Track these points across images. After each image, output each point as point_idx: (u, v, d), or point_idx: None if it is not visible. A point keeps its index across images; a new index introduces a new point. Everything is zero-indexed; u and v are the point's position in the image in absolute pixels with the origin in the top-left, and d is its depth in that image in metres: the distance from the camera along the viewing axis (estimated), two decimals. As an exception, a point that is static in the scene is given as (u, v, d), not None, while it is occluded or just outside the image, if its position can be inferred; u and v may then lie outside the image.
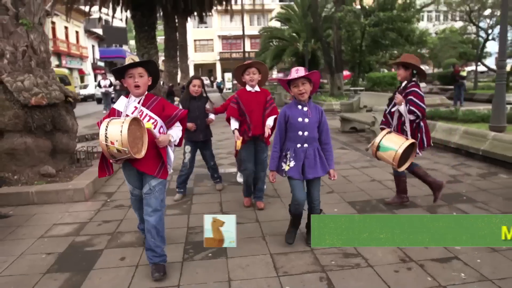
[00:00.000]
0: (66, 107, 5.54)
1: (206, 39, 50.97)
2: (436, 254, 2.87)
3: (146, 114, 2.66)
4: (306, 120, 2.90)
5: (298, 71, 2.84)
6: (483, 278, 2.54)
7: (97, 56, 45.00)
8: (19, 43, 4.95)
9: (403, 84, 3.79)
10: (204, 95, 4.46)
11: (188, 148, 4.47)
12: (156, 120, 2.67)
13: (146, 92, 2.74)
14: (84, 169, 5.47)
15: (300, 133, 2.91)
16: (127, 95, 2.75)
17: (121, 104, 2.72)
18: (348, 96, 14.90)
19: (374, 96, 8.99)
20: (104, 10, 18.39)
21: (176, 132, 2.79)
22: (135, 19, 16.27)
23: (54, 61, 33.89)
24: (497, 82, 6.79)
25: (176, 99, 18.64)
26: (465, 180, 4.82)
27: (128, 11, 17.40)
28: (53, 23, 34.25)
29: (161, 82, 20.34)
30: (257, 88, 3.90)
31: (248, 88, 3.89)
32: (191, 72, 38.39)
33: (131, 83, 2.64)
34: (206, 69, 51.90)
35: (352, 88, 16.76)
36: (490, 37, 18.52)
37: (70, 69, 36.52)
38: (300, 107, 2.93)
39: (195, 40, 49.82)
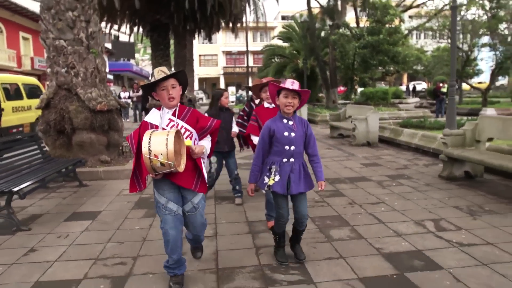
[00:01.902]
0: (117, 113, 7.36)
1: (210, 54, 53.13)
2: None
3: (182, 126, 2.60)
4: (292, 134, 2.81)
5: (294, 84, 2.77)
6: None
7: (107, 69, 47.09)
8: (89, 66, 6.81)
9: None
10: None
11: (214, 159, 4.68)
12: (191, 132, 2.62)
13: (178, 104, 2.68)
14: (128, 159, 7.26)
15: (287, 147, 2.81)
16: (158, 107, 2.70)
17: (154, 116, 2.65)
18: (340, 108, 16.76)
19: (356, 108, 10.84)
20: (114, 26, 20.19)
21: (207, 143, 2.73)
22: (152, 39, 18.30)
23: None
24: (450, 97, 8.62)
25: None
26: (412, 167, 6.60)
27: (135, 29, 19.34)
28: (68, 38, 36.51)
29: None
30: (274, 105, 3.77)
31: (266, 104, 3.94)
32: (196, 86, 40.55)
33: (165, 96, 2.56)
34: (210, 83, 54.04)
35: (344, 101, 18.62)
36: (471, 57, 20.49)
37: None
38: (285, 121, 2.84)
39: (200, 55, 51.91)
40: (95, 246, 3.48)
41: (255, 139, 3.78)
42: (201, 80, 51.36)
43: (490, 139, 5.47)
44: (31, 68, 28.31)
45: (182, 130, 2.57)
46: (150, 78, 2.62)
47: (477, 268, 2.88)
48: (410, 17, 31.25)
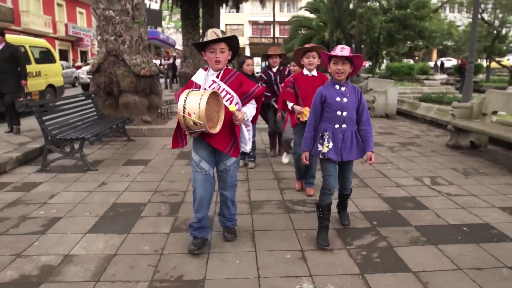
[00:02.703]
0: (157, 78, 8.19)
1: (237, 23, 52.94)
2: (380, 162, 5.35)
3: (224, 88, 2.63)
4: (345, 99, 2.75)
5: (343, 50, 2.68)
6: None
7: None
8: (134, 35, 7.60)
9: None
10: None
11: None
12: (232, 96, 2.64)
13: (225, 66, 2.69)
14: (167, 120, 8.13)
15: (339, 113, 2.75)
16: (206, 68, 2.74)
17: (199, 76, 2.71)
18: (363, 81, 17.13)
19: (377, 81, 11.33)
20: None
21: (250, 109, 2.73)
22: (183, 9, 18.91)
23: (98, 41, 37.29)
24: (467, 74, 9.01)
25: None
26: (423, 137, 7.22)
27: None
28: (98, 5, 37.39)
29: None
30: (314, 73, 3.76)
31: (305, 72, 3.78)
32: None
33: (213, 58, 2.60)
34: (239, 48, 54.18)
35: (367, 75, 18.87)
36: (502, 34, 20.18)
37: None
38: (337, 87, 2.78)
39: (226, 25, 51.80)
40: (152, 183, 4.38)
41: (289, 105, 3.85)
42: (227, 50, 51.55)
43: (494, 112, 6.01)
44: (65, 34, 29.49)
45: (223, 94, 2.60)
46: (203, 38, 2.66)
47: (457, 210, 3.60)
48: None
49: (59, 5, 29.66)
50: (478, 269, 2.55)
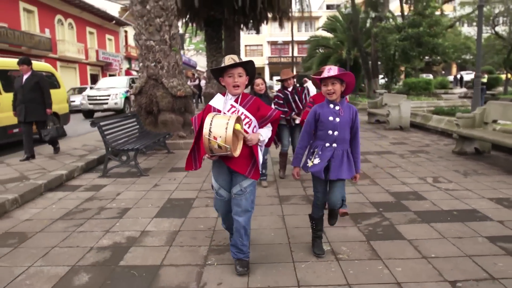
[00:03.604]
0: (190, 98, 9.22)
1: (256, 44, 54.55)
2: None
3: (242, 112, 2.68)
4: (338, 119, 2.81)
5: (330, 70, 2.76)
6: (406, 171, 5.76)
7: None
8: (171, 61, 8.69)
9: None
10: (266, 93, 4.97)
11: None
12: (250, 120, 2.70)
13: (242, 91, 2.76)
14: (199, 136, 9.10)
15: (330, 132, 2.82)
16: (223, 93, 2.80)
17: (218, 101, 2.77)
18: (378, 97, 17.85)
19: (391, 96, 12.06)
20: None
21: (265, 132, 2.78)
22: (207, 33, 20.26)
23: (125, 64, 39.32)
24: (475, 87, 9.67)
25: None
26: (432, 146, 7.90)
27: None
28: (125, 31, 39.63)
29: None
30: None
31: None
32: (243, 76, 42.36)
33: (231, 83, 2.66)
34: (256, 73, 55.67)
35: (384, 91, 19.58)
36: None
37: (137, 71, 41.84)
38: (332, 106, 2.85)
39: (245, 45, 53.45)
40: (196, 184, 5.27)
41: None
42: (247, 70, 53.06)
43: (494, 121, 6.69)
44: (96, 60, 31.48)
45: (242, 117, 2.65)
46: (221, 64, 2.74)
47: (451, 200, 4.33)
48: (462, 3, 30.74)
49: (91, 33, 31.78)
50: (459, 238, 3.29)
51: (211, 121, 2.45)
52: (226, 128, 2.40)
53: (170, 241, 3.37)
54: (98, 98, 16.57)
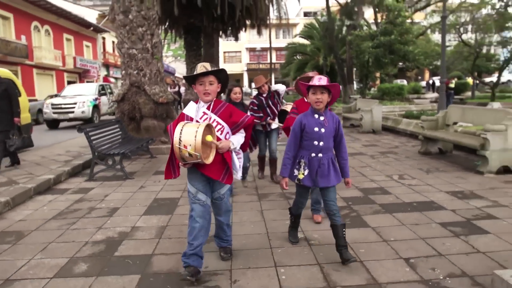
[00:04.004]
0: (172, 104, 9.52)
1: (234, 51, 55.01)
2: (361, 166, 6.59)
3: (214, 119, 2.73)
4: (323, 130, 2.88)
5: (321, 80, 2.82)
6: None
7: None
8: (153, 68, 8.98)
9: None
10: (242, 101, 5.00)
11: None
12: (223, 126, 2.75)
13: (215, 98, 2.80)
14: (181, 141, 9.41)
15: (316, 142, 2.89)
16: (196, 100, 2.85)
17: (191, 109, 2.82)
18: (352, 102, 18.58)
19: (364, 101, 12.70)
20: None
21: (237, 138, 2.83)
22: (186, 41, 20.56)
23: (103, 71, 39.03)
24: (440, 92, 10.36)
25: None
26: (401, 147, 8.47)
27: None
28: (103, 38, 39.39)
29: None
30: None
31: (306, 99, 3.85)
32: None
33: (201, 90, 2.71)
34: (234, 79, 56.10)
35: (358, 97, 20.39)
36: (481, 54, 21.86)
37: (116, 78, 41.55)
38: (316, 116, 2.91)
39: (224, 52, 53.81)
40: (180, 185, 5.58)
41: None
42: (226, 76, 53.41)
43: (455, 123, 7.29)
44: (74, 67, 31.22)
45: (214, 124, 2.70)
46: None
47: (413, 194, 4.81)
48: (433, 11, 32.07)
49: (68, 39, 31.52)
50: (416, 224, 3.76)
51: (181, 129, 2.50)
52: (195, 136, 2.44)
53: (159, 235, 3.70)
54: (63, 106, 15.31)
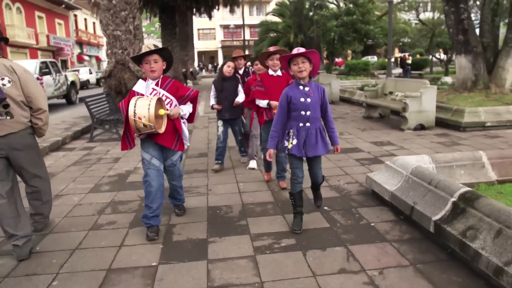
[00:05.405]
0: (154, 80, 10.74)
1: (209, 28, 54.99)
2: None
3: (163, 94, 2.99)
4: (308, 100, 2.96)
5: (299, 50, 2.92)
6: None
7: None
8: (136, 48, 10.15)
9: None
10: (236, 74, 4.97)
11: (220, 123, 5.00)
12: (171, 99, 3.03)
13: (162, 75, 3.03)
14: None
15: (303, 112, 2.97)
16: (145, 78, 3.07)
17: (141, 86, 3.04)
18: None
19: (325, 76, 14.27)
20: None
21: (186, 107, 3.13)
22: (162, 20, 21.42)
23: (76, 49, 38.88)
24: (388, 68, 11.99)
25: (189, 81, 23.81)
26: (351, 114, 10.10)
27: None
28: (75, 16, 39.04)
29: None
30: (279, 73, 4.10)
31: (270, 72, 4.12)
32: (196, 59, 43.48)
33: (148, 68, 2.95)
34: (209, 56, 56.56)
35: (320, 71, 21.97)
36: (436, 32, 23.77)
37: (90, 56, 41.50)
38: (301, 87, 2.99)
39: (198, 29, 53.72)
40: (166, 143, 6.97)
41: (261, 103, 4.10)
42: (200, 54, 53.85)
43: (391, 92, 8.94)
44: (47, 45, 31.30)
45: (164, 98, 2.95)
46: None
47: (345, 143, 6.40)
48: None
49: (40, 17, 31.39)
50: (338, 160, 5.34)
51: (135, 103, 2.74)
52: (149, 109, 2.70)
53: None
54: None
